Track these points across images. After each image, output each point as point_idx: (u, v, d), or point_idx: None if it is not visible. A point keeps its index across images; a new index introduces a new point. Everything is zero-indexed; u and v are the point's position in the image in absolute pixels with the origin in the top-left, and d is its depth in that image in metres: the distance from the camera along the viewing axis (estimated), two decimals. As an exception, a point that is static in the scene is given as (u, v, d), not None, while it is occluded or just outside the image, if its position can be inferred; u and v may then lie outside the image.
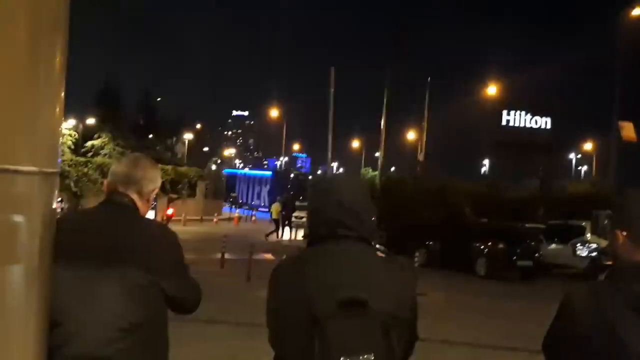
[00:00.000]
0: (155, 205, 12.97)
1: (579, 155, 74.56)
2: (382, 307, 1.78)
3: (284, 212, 28.55)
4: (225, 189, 41.14)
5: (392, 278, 1.93)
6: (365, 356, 1.70)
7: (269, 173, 46.00)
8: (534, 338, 2.17)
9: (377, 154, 43.51)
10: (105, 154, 37.09)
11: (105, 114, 39.69)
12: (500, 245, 17.19)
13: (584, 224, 18.55)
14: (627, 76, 29.88)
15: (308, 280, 1.86)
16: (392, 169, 52.68)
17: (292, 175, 68.18)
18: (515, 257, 17.13)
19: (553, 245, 18.97)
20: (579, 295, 1.94)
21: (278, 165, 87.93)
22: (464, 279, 16.68)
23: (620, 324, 1.79)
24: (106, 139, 37.45)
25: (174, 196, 20.68)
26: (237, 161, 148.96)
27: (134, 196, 2.28)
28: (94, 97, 43.99)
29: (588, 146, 64.51)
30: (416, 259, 16.92)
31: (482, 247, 17.49)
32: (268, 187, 40.54)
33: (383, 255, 2.17)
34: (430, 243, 19.27)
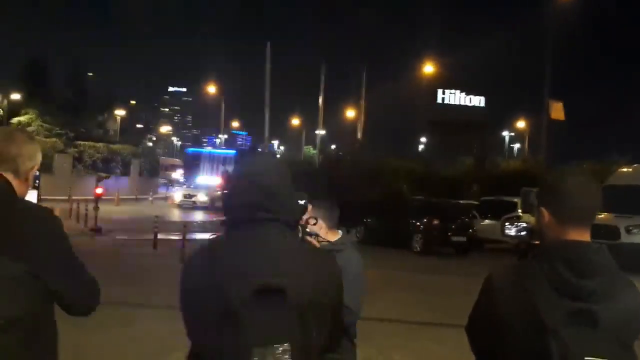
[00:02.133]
0: (38, 185, 12.13)
1: (513, 134, 77.00)
2: (300, 294, 1.66)
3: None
4: (189, 168, 39.19)
5: (314, 263, 1.82)
6: (280, 346, 1.59)
7: (232, 152, 44.73)
8: (467, 313, 2.07)
9: (317, 132, 43.41)
10: (32, 132, 35.43)
11: (32, 89, 37.90)
12: (435, 222, 17.44)
13: (515, 200, 19.04)
14: (558, 55, 30.75)
15: (221, 267, 1.71)
16: (333, 147, 52.78)
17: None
18: (449, 233, 17.43)
19: (486, 221, 19.42)
20: (500, 275, 1.89)
21: (217, 142, 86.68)
22: (400, 255, 16.86)
23: (542, 304, 1.73)
24: (33, 116, 35.79)
25: (103, 175, 19.95)
26: (174, 138, 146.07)
27: (9, 176, 2.00)
28: (19, 72, 41.90)
29: (521, 124, 66.64)
30: (354, 236, 16.94)
31: (418, 223, 17.71)
32: (232, 166, 39.31)
33: (314, 239, 2.04)
34: (368, 220, 19.38)
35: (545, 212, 1.90)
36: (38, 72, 40.89)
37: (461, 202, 20.14)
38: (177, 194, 33.23)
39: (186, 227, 14.88)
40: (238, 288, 1.63)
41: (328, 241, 3.24)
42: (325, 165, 25.01)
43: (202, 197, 31.43)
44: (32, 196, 2.32)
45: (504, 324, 1.81)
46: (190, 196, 31.72)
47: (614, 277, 1.80)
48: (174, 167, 60.27)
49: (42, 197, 29.17)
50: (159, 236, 15.41)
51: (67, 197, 25.43)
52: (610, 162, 18.77)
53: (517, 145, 77.29)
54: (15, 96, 39.11)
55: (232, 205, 1.84)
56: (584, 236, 1.86)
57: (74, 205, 20.86)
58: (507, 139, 77.73)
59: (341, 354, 3.29)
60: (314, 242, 2.41)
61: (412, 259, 16.56)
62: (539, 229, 1.95)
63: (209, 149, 56.44)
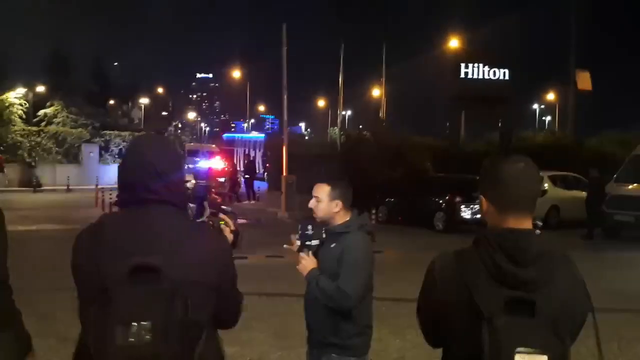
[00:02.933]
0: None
1: (542, 106, 75.49)
2: (178, 273, 1.72)
3: (247, 176, 27.67)
4: (232, 156, 38.76)
5: (197, 243, 1.88)
6: (145, 323, 1.63)
7: (262, 136, 44.52)
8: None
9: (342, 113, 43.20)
10: (58, 123, 36.02)
11: (56, 81, 38.37)
12: (458, 199, 17.14)
13: (540, 173, 18.60)
14: (584, 24, 29.86)
15: (102, 246, 1.78)
16: (360, 127, 52.51)
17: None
18: (472, 210, 17.12)
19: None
20: (443, 262, 1.90)
21: (245, 127, 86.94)
22: (422, 234, 16.66)
23: (479, 292, 1.73)
24: (58, 107, 36.31)
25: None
26: (202, 124, 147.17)
27: None
28: (43, 64, 42.46)
29: (551, 96, 65.23)
30: (375, 216, 16.76)
31: (440, 201, 17.44)
32: (262, 151, 38.90)
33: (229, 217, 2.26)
34: (391, 200, 19.19)
35: (484, 200, 1.89)
36: (62, 63, 41.43)
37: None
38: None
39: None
40: (115, 266, 1.68)
41: (326, 227, 3.38)
42: (347, 146, 24.75)
43: (190, 183, 31.32)
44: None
45: (444, 310, 1.84)
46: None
47: (553, 266, 1.78)
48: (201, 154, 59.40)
49: (70, 187, 29.81)
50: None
51: (94, 186, 25.78)
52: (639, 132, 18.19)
53: (548, 118, 75.92)
54: (40, 88, 39.73)
55: (121, 186, 1.90)
56: (524, 223, 1.83)
57: (100, 194, 21.11)
58: (537, 111, 76.46)
59: (342, 339, 3.22)
60: (228, 223, 2.40)
61: (434, 238, 16.34)
62: (482, 217, 1.95)
63: (241, 134, 56.11)
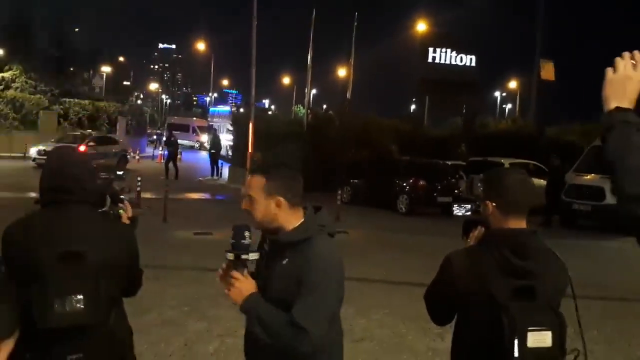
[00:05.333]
0: None
1: (504, 94, 76.63)
2: (97, 257, 2.22)
3: (213, 151, 26.96)
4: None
5: (110, 233, 2.41)
6: (75, 296, 2.14)
7: (227, 109, 43.53)
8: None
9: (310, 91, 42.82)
10: (16, 88, 34.83)
11: (15, 45, 37.04)
12: (421, 182, 17.35)
13: (502, 160, 18.98)
14: (550, 14, 30.32)
15: (33, 237, 2.24)
16: (324, 107, 52.33)
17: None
18: (435, 194, 17.38)
19: (473, 182, 19.34)
20: (458, 258, 2.28)
21: (208, 101, 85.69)
22: (385, 215, 16.85)
23: (491, 282, 2.14)
24: (17, 72, 35.08)
25: (87, 132, 19.78)
26: (163, 96, 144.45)
27: None
28: (2, 28, 40.82)
29: (513, 85, 66.23)
30: (340, 197, 16.81)
31: (404, 184, 17.64)
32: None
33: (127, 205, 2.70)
34: (355, 181, 19.29)
35: (490, 205, 2.29)
36: (22, 27, 39.93)
37: (448, 162, 20.01)
38: None
39: (169, 186, 14.78)
40: (46, 253, 2.17)
41: (275, 236, 2.35)
42: (313, 125, 24.66)
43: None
44: None
45: (462, 299, 2.22)
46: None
47: (546, 257, 2.24)
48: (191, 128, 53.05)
49: (26, 154, 28.92)
50: (143, 195, 15.30)
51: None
52: (600, 123, 18.59)
53: (508, 106, 77.16)
54: (-2, 52, 38.33)
55: (44, 189, 2.37)
56: (522, 224, 2.27)
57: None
58: (498, 99, 77.60)
59: None
60: (128, 210, 2.72)
61: (397, 219, 16.55)
62: (485, 219, 2.34)
63: (219, 107, 54.49)
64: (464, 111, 28.95)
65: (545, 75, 26.57)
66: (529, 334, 2.04)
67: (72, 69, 44.94)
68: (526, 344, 2.03)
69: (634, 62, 1.65)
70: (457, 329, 2.32)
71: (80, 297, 2.12)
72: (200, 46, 64.69)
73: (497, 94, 77.24)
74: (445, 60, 28.57)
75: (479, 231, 2.40)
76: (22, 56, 36.38)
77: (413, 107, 41.98)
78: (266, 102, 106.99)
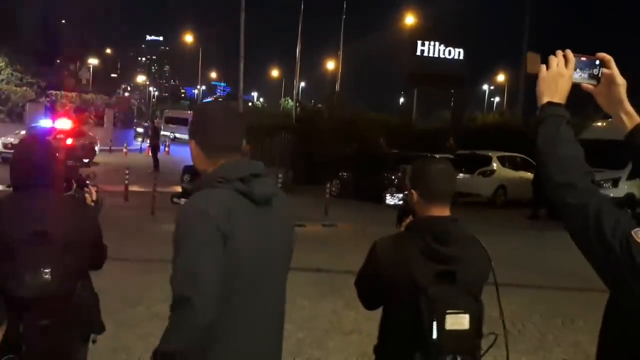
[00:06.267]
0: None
1: (492, 87, 76.96)
2: (61, 235, 2.52)
3: (152, 142, 25.53)
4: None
5: (73, 213, 2.75)
6: (45, 269, 2.44)
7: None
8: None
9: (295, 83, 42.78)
10: (2, 80, 34.45)
11: (1, 37, 36.56)
12: (410, 175, 17.38)
13: (489, 154, 19.08)
14: (539, 7, 30.43)
15: (6, 218, 2.53)
16: (312, 101, 52.32)
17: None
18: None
19: (460, 175, 19.43)
20: (382, 244, 2.39)
21: (195, 93, 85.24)
22: (374, 208, 16.89)
23: (414, 266, 2.24)
24: (2, 64, 34.69)
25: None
26: (151, 88, 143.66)
27: None
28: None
29: (501, 78, 66.52)
30: (329, 190, 16.82)
31: (392, 177, 17.69)
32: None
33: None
34: (344, 174, 19.33)
35: (415, 194, 2.40)
36: (6, 18, 39.41)
37: (437, 156, 20.07)
38: None
39: (157, 179, 14.73)
40: (18, 232, 2.46)
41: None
42: (302, 118, 24.64)
43: None
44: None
45: (386, 283, 2.31)
46: None
47: (467, 244, 2.33)
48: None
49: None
50: (131, 188, 15.25)
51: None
52: (585, 117, 18.74)
53: (496, 99, 77.50)
54: (-17, 43, 37.83)
55: (15, 175, 2.67)
56: (445, 212, 2.37)
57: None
58: (486, 92, 77.90)
59: None
60: (92, 194, 3.31)
61: (385, 213, 16.58)
62: (411, 208, 2.46)
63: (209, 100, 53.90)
64: (452, 104, 29.03)
65: (531, 68, 26.60)
66: (447, 317, 2.12)
67: (58, 61, 44.52)
68: (444, 326, 2.11)
69: (565, 59, 1.77)
70: (385, 311, 2.42)
71: (47, 270, 2.42)
72: (188, 38, 64.44)
73: (486, 87, 77.54)
74: (434, 54, 28.58)
75: (409, 219, 2.48)
76: (9, 48, 35.96)
77: (402, 100, 42.05)
78: (255, 94, 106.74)
